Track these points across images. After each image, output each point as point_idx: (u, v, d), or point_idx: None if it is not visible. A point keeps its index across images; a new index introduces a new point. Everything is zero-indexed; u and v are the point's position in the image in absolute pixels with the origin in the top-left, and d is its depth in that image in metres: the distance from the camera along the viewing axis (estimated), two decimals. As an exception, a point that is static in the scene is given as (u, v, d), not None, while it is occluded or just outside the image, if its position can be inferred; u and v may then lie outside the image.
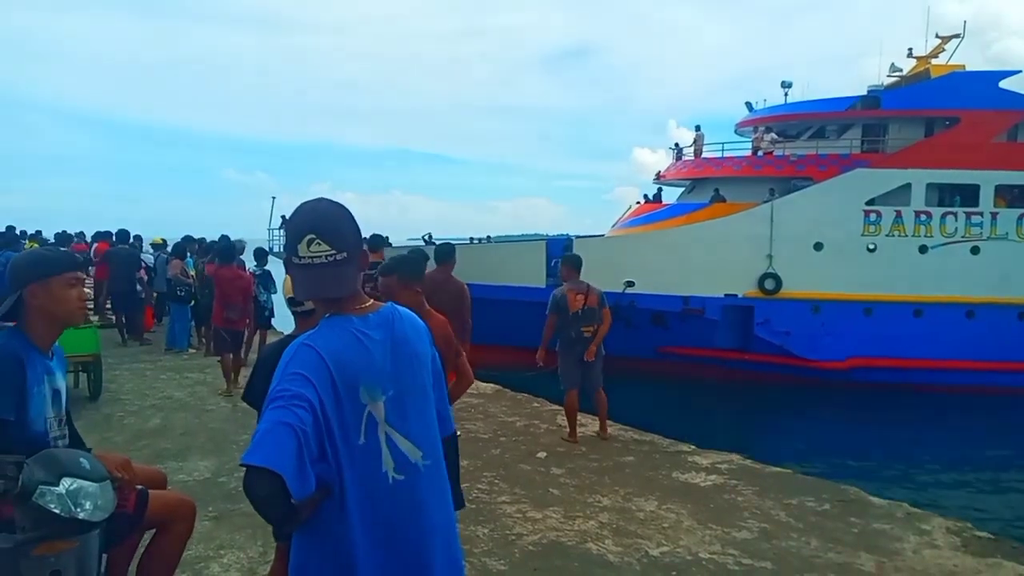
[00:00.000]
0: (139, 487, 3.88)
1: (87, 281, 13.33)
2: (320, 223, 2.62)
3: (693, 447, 9.75)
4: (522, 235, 31.55)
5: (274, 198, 31.64)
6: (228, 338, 13.01)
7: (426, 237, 28.76)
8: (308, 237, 2.59)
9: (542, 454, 9.12)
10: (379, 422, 2.61)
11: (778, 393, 24.98)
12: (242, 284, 13.25)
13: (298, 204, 2.69)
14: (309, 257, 2.58)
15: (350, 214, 2.70)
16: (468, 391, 12.47)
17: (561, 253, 26.72)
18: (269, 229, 30.43)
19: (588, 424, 10.37)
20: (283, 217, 31.36)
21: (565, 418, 10.04)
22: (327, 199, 2.71)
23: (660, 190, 32.84)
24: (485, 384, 13.07)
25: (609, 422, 10.31)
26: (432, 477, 2.74)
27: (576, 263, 10.28)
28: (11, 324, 3.72)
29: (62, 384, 3.87)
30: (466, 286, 9.70)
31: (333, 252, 2.58)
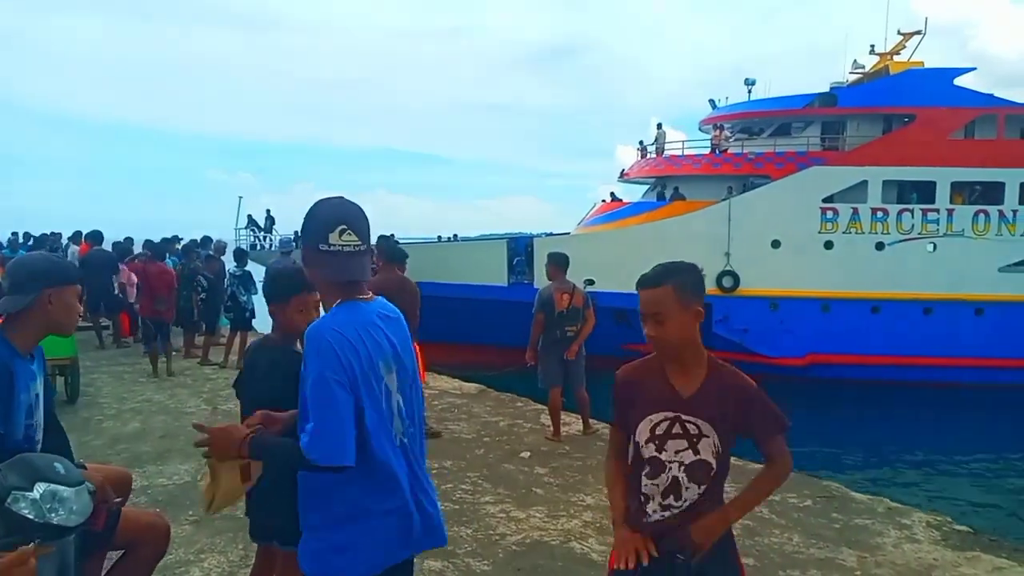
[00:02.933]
0: (111, 504, 3.76)
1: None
2: (350, 216, 2.96)
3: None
4: (506, 233, 31.36)
5: (240, 198, 31.45)
6: (154, 328, 14.20)
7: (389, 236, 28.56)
8: (341, 227, 2.91)
9: (526, 454, 8.97)
10: (392, 392, 2.96)
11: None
12: (167, 279, 14.45)
13: (319, 200, 3.04)
14: (340, 245, 2.91)
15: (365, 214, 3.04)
16: (451, 391, 12.31)
17: (524, 251, 26.86)
18: (236, 229, 30.04)
19: (572, 423, 10.25)
20: (249, 217, 31.00)
21: (549, 417, 9.90)
22: (346, 197, 3.07)
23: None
24: (469, 384, 13.15)
25: (593, 420, 10.20)
26: (416, 443, 3.09)
27: (562, 262, 10.15)
28: None
29: (42, 387, 3.80)
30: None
31: (360, 243, 2.94)
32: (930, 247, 26.33)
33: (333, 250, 2.89)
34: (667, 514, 3.15)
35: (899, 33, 30.74)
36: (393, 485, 2.93)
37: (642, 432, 3.19)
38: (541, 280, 23.13)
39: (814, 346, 25.85)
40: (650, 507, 3.17)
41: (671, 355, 3.21)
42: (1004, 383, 24.79)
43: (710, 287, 25.70)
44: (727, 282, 26.31)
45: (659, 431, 3.15)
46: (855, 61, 31.67)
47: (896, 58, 30.53)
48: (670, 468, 3.13)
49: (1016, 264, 26.17)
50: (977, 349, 25.40)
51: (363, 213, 3.02)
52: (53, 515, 3.05)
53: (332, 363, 2.75)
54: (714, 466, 3.13)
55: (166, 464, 8.52)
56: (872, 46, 31.33)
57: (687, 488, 3.12)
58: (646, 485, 3.18)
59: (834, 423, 22.46)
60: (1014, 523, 14.72)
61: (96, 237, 18.13)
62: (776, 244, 26.36)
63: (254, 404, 3.58)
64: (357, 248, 2.93)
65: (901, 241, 26.22)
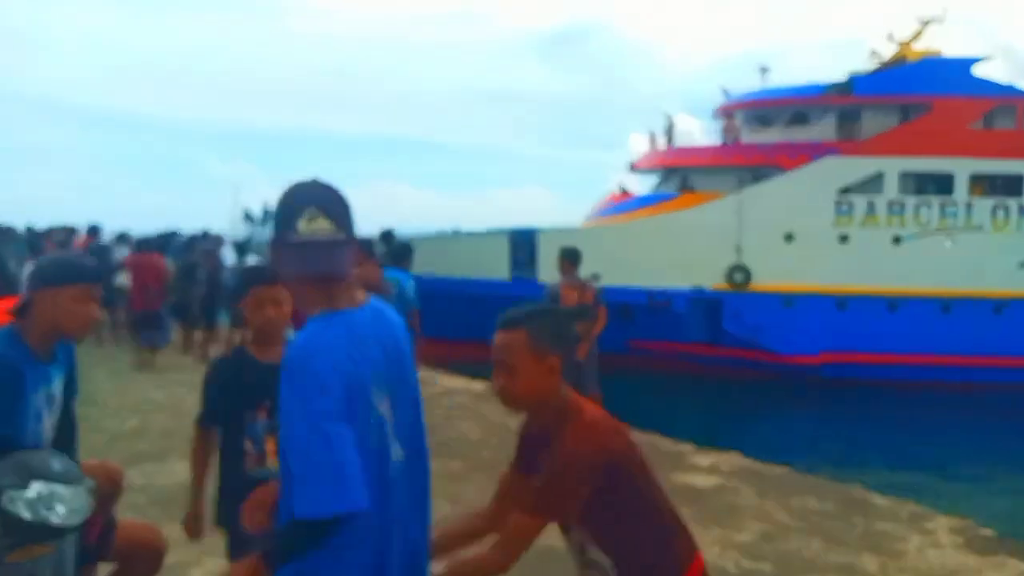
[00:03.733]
0: (107, 518, 3.81)
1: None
2: (322, 199, 2.51)
3: (693, 447, 9.50)
4: (514, 227, 31.08)
5: (236, 190, 31.23)
6: (146, 320, 14.76)
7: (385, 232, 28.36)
8: (310, 212, 2.46)
9: (535, 455, 8.43)
10: (386, 421, 2.50)
11: (762, 388, 24.59)
12: (157, 272, 14.90)
13: (291, 184, 2.56)
14: (310, 233, 2.45)
15: (346, 197, 2.60)
16: (459, 389, 11.92)
17: (527, 245, 26.31)
18: (232, 221, 29.81)
19: None
20: (245, 210, 30.72)
21: None
22: (320, 179, 2.59)
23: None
24: (476, 383, 13.02)
25: None
26: (410, 476, 2.61)
27: (574, 257, 9.90)
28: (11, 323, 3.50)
29: (59, 386, 3.64)
30: None
31: (335, 230, 2.47)
32: (948, 242, 25.79)
33: (302, 240, 2.44)
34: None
35: (918, 21, 30.09)
36: (364, 536, 2.43)
37: None
38: (545, 275, 22.55)
39: (828, 344, 25.28)
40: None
41: (519, 412, 2.95)
42: None
43: (720, 282, 25.26)
44: (738, 277, 25.81)
45: None
46: (873, 49, 31.16)
47: (915, 46, 29.89)
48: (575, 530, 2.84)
49: (1037, 260, 25.71)
50: (997, 348, 24.79)
51: (339, 196, 2.55)
52: (51, 514, 3.00)
53: (316, 394, 2.31)
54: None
55: (165, 462, 8.44)
56: (890, 34, 30.76)
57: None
58: None
59: (852, 424, 22.02)
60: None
61: (93, 231, 17.97)
62: (789, 238, 25.79)
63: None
64: (332, 237, 2.45)
65: (919, 235, 25.66)
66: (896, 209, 25.78)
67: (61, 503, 3.02)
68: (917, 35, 30.04)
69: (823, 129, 28.14)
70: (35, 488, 2.99)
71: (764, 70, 30.98)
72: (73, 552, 3.33)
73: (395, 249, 10.52)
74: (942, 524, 6.89)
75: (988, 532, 6.83)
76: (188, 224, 25.36)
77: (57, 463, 3.15)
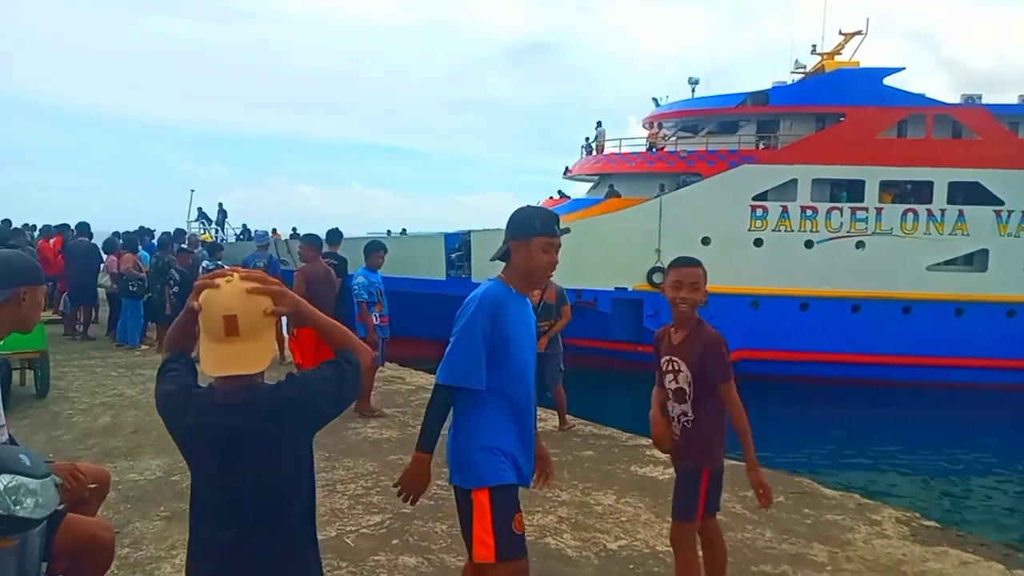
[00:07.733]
0: (84, 492, 3.85)
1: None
2: None
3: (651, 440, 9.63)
4: (483, 229, 31.33)
5: (192, 191, 31.44)
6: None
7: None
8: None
9: (501, 448, 8.85)
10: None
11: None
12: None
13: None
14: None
15: None
16: (427, 386, 12.43)
17: (461, 245, 26.72)
18: (187, 221, 29.68)
19: (548, 419, 10.21)
20: (200, 209, 30.83)
21: None
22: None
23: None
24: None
25: (569, 417, 10.29)
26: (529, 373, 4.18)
27: None
28: None
29: None
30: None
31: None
32: (859, 246, 26.64)
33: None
34: None
35: (840, 33, 31.05)
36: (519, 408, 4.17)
37: None
38: (479, 273, 22.95)
39: (743, 342, 25.77)
40: None
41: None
42: (931, 381, 25.08)
43: (641, 283, 25.83)
44: (658, 278, 26.17)
45: None
46: (796, 61, 32.02)
47: (838, 58, 30.84)
48: None
49: (944, 263, 26.65)
50: (905, 347, 25.67)
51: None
52: (18, 507, 3.01)
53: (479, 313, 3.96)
54: None
55: (137, 459, 8.37)
56: (813, 46, 31.66)
57: None
58: None
59: (773, 420, 22.56)
60: (980, 518, 14.99)
61: (83, 229, 17.96)
62: (706, 241, 26.23)
63: None
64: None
65: (830, 239, 26.51)
66: (808, 214, 26.56)
67: (28, 496, 3.04)
68: (839, 48, 31.02)
69: (740, 138, 29.03)
70: (3, 481, 3.00)
71: (693, 81, 31.73)
72: (38, 546, 3.31)
73: (365, 248, 11.08)
74: (888, 515, 7.12)
75: (932, 523, 7.07)
76: (160, 224, 25.43)
77: (25, 457, 3.16)
